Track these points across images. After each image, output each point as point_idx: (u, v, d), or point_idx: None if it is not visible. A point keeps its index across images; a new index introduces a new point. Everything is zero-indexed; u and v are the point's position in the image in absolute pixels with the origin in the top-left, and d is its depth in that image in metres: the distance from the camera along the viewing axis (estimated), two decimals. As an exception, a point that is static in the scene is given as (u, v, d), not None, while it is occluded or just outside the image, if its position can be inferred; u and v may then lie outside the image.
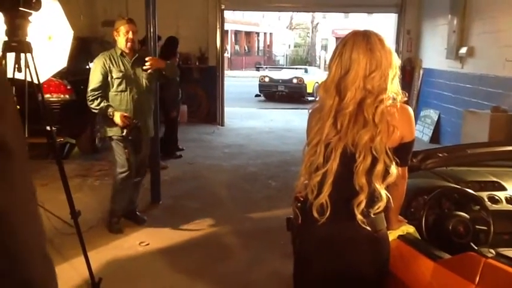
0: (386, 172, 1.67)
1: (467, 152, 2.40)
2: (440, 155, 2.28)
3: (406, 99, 1.74)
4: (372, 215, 1.71)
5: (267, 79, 16.58)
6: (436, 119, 8.71)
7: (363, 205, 1.66)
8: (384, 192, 1.68)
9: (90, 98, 4.01)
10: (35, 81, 2.70)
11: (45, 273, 0.92)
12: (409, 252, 1.82)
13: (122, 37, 4.07)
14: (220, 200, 5.35)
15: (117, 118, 3.95)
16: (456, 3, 7.85)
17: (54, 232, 3.86)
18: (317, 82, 16.22)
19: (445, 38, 8.31)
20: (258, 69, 22.03)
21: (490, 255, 1.47)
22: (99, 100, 3.99)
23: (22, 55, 2.60)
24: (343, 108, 1.68)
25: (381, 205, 1.70)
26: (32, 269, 0.87)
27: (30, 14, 2.54)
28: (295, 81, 16.22)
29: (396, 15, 10.25)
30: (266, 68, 18.57)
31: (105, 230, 4.25)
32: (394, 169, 1.68)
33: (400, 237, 1.89)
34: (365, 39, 1.70)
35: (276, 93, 16.20)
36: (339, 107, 1.69)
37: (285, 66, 21.57)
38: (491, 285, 1.43)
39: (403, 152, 1.75)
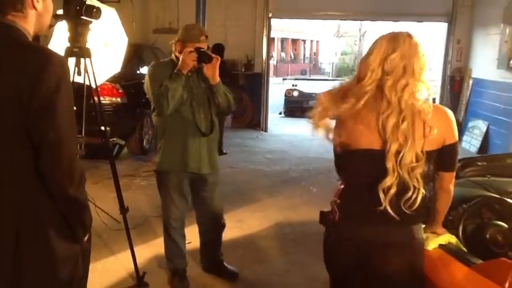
0: (416, 161, 1.65)
1: (508, 162, 2.38)
2: (479, 163, 2.27)
3: (434, 96, 1.77)
4: (403, 208, 1.68)
5: (295, 93, 13.90)
6: (484, 130, 8.47)
7: (392, 192, 1.66)
8: (416, 185, 1.65)
9: (158, 97, 2.97)
10: (93, 84, 2.90)
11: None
12: (448, 260, 1.82)
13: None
14: (261, 203, 5.44)
15: (184, 57, 2.96)
16: (510, 13, 7.63)
17: (103, 227, 4.08)
18: None
19: (496, 48, 8.09)
20: (284, 80, 18.16)
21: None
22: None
23: (82, 60, 2.80)
24: (363, 86, 1.71)
25: (412, 197, 1.66)
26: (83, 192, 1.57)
27: (91, 22, 2.74)
28: None
29: (446, 24, 10.05)
30: (295, 79, 15.81)
31: (151, 228, 4.42)
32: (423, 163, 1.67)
33: (442, 246, 1.89)
34: (394, 32, 1.76)
35: (306, 109, 13.71)
36: (355, 86, 1.74)
37: (319, 78, 18.82)
38: None
39: (448, 155, 1.76)
